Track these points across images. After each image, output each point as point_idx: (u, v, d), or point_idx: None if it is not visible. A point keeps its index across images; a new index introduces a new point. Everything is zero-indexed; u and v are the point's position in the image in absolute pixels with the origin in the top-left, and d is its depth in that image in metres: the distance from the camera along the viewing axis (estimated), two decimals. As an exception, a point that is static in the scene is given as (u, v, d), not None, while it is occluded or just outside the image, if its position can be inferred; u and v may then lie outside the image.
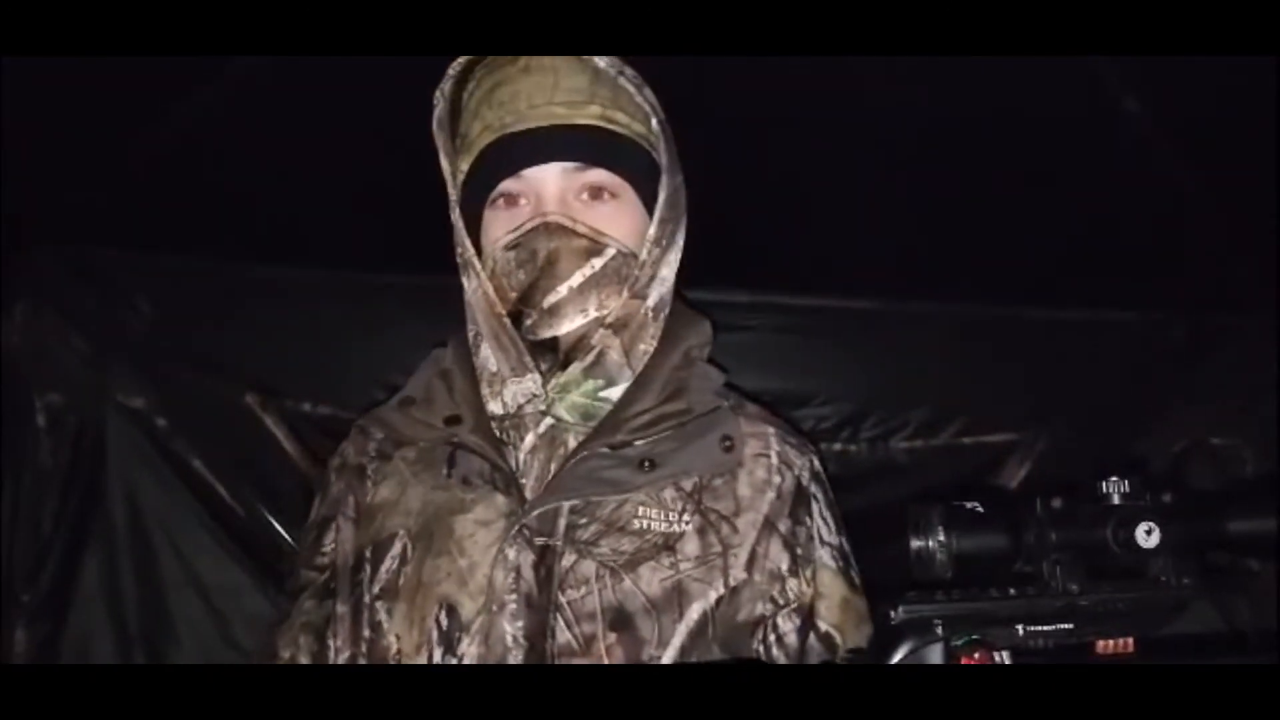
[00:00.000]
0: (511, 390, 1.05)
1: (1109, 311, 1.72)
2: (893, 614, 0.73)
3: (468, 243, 1.07)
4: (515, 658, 0.96)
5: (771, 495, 1.05)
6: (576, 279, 1.03)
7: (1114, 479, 0.77)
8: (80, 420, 1.64)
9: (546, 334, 1.04)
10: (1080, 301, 1.71)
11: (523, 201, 1.04)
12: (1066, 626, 0.74)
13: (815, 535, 1.06)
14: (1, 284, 1.58)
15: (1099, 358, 1.73)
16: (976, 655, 0.70)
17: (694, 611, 0.98)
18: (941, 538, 0.75)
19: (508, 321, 1.04)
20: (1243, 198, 1.48)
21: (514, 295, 1.04)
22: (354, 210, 1.50)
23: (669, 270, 1.09)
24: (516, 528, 0.98)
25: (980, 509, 0.77)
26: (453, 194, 1.08)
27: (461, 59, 1.07)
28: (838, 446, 1.70)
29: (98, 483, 1.64)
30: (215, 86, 1.34)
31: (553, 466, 1.04)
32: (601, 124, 1.04)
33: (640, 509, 1.01)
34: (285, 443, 1.67)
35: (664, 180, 1.07)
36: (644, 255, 1.06)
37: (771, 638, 1.02)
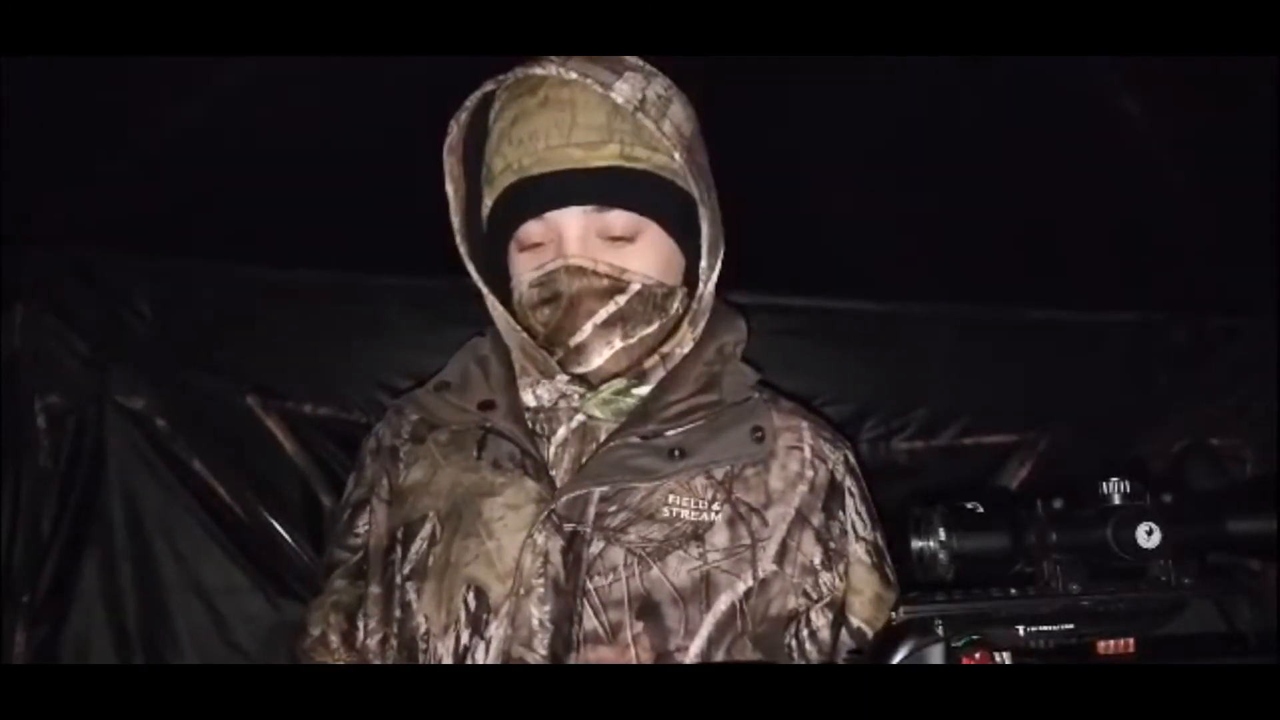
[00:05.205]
0: (545, 387, 1.07)
1: (1109, 312, 1.72)
2: (894, 614, 0.73)
3: (474, 272, 1.09)
4: (541, 641, 0.96)
5: (804, 489, 1.06)
6: (600, 316, 1.04)
7: (1114, 479, 0.77)
8: (80, 421, 1.63)
9: (578, 370, 1.06)
10: (1081, 302, 1.71)
11: (545, 242, 1.06)
12: (1067, 627, 0.74)
13: (849, 530, 1.07)
14: (2, 284, 1.58)
15: (1099, 358, 1.73)
16: (977, 655, 0.70)
17: (721, 603, 0.99)
18: (942, 538, 0.75)
19: (528, 339, 1.06)
20: (1242, 198, 1.48)
21: (542, 330, 1.06)
22: (354, 211, 1.50)
23: (710, 285, 1.10)
24: (545, 513, 0.99)
25: (981, 510, 0.77)
26: (455, 221, 1.10)
27: (476, 94, 1.07)
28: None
29: (97, 483, 1.63)
30: (215, 87, 1.34)
31: (583, 460, 1.05)
32: (620, 164, 1.03)
33: (670, 497, 1.02)
34: (285, 443, 1.67)
35: (701, 211, 1.07)
36: (701, 289, 1.08)
37: (805, 632, 1.03)
